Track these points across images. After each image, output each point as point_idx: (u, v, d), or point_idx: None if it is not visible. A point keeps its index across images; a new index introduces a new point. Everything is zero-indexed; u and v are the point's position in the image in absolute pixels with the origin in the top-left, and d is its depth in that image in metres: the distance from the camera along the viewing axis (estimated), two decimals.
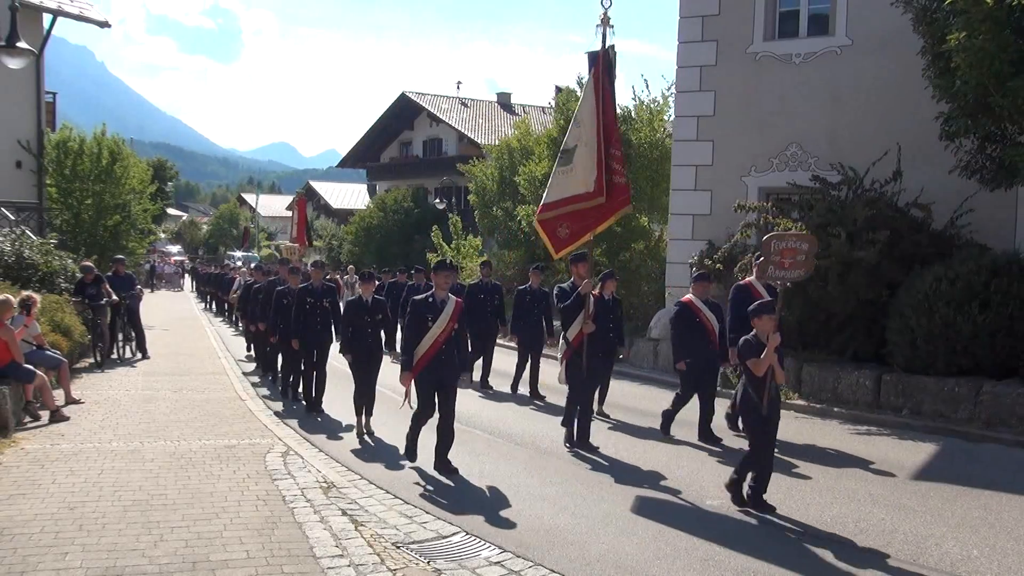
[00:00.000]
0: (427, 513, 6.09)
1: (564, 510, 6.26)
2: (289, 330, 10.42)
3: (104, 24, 18.53)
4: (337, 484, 6.72)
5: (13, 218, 15.62)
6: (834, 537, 5.72)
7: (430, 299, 7.22)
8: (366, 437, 8.75)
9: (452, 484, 7.00)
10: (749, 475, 6.26)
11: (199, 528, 5.43)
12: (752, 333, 6.19)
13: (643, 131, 19.01)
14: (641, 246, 19.15)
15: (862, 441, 8.91)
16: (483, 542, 5.49)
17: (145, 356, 14.65)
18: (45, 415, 8.84)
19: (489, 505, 6.40)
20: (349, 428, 9.20)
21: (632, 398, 10.75)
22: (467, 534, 5.64)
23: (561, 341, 8.41)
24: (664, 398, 9.89)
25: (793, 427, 9.57)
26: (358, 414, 8.88)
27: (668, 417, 8.94)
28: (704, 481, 7.17)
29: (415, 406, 7.34)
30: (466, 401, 10.96)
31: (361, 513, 6.00)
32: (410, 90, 44.05)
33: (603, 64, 8.49)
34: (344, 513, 5.92)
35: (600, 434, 9.06)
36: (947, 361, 9.68)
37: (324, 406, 10.20)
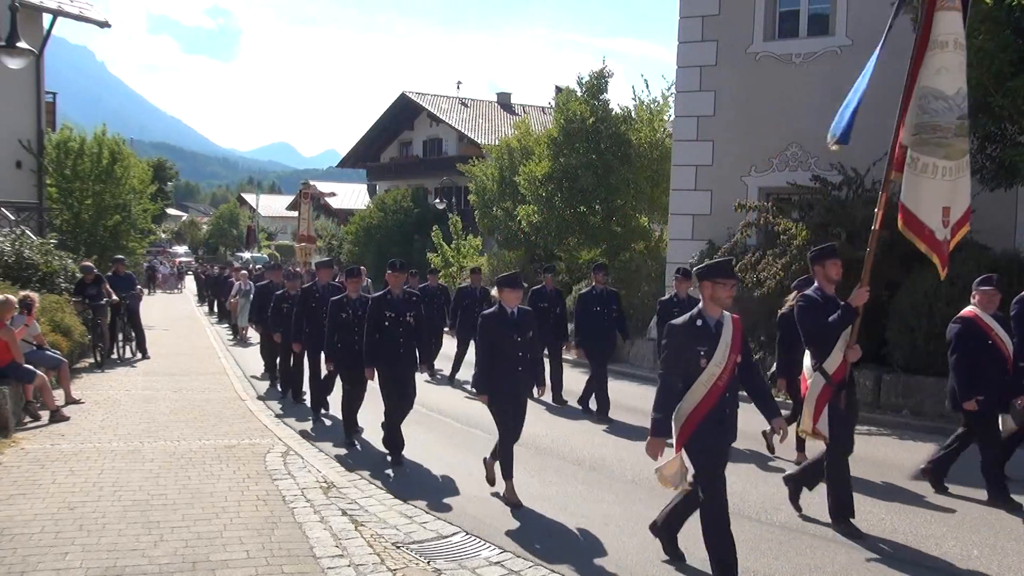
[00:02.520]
0: (427, 513, 6.10)
1: (564, 510, 6.26)
2: (339, 351, 8.42)
3: (104, 24, 18.53)
4: (337, 484, 6.72)
5: (13, 218, 15.62)
6: (834, 537, 5.71)
7: (699, 321, 4.73)
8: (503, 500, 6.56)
9: (452, 484, 7.00)
10: None
11: (199, 528, 5.43)
12: None
13: (643, 131, 19.01)
14: (641, 246, 19.15)
15: (862, 441, 8.84)
16: (483, 542, 5.49)
17: (145, 356, 14.65)
18: (45, 415, 8.84)
19: (489, 505, 6.41)
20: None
21: (632, 398, 10.74)
22: (467, 534, 5.65)
23: (814, 375, 5.85)
24: None
25: (793, 427, 9.57)
26: (507, 476, 6.54)
27: (998, 479, 6.53)
28: None
29: (685, 488, 4.88)
30: (466, 402, 10.98)
31: (361, 513, 6.00)
32: (410, 90, 44.04)
33: None
34: (344, 513, 5.92)
35: (598, 435, 9.07)
36: (947, 361, 9.65)
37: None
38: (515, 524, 5.93)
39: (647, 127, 19.12)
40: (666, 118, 18.99)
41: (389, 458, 7.75)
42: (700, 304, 4.81)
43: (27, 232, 14.23)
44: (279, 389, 11.59)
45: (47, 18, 17.49)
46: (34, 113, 17.87)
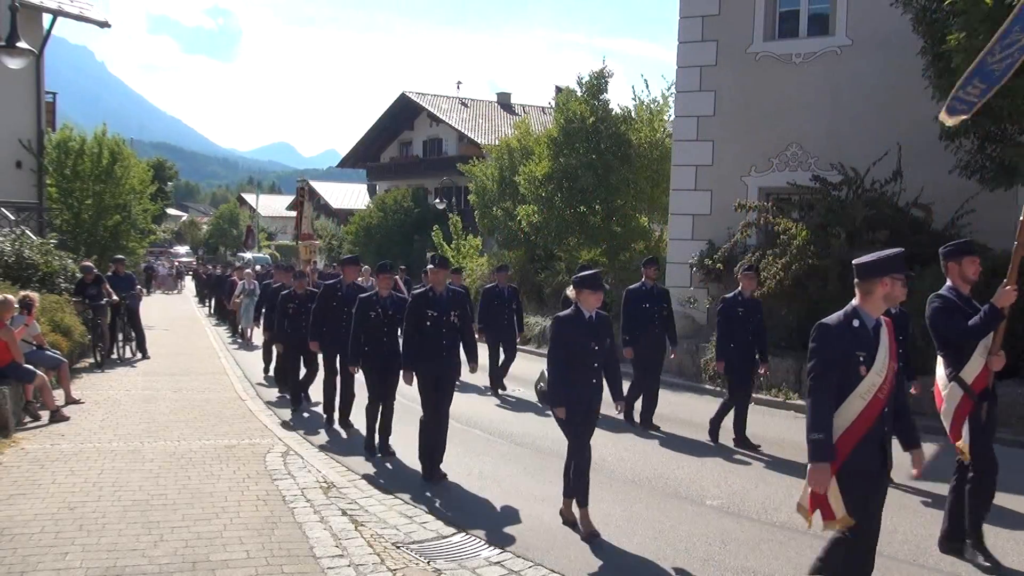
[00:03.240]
0: (427, 513, 6.10)
1: None
2: (366, 355, 7.84)
3: (104, 24, 18.53)
4: (337, 484, 6.72)
5: (13, 218, 15.62)
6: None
7: (855, 322, 4.03)
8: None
9: (452, 484, 6.99)
10: None
11: (199, 528, 5.43)
12: None
13: (643, 131, 19.01)
14: (641, 246, 19.15)
15: None
16: (483, 542, 5.49)
17: (145, 356, 14.65)
18: (45, 415, 8.84)
19: (489, 505, 6.41)
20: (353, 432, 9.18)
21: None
22: (467, 534, 5.64)
23: (950, 386, 5.37)
24: (664, 398, 9.87)
25: (794, 427, 9.57)
26: (582, 503, 5.80)
27: None
28: (704, 481, 7.16)
29: (846, 525, 4.00)
30: (466, 402, 10.97)
31: (361, 513, 6.00)
32: (410, 90, 44.06)
33: None
34: (344, 513, 5.92)
35: (599, 436, 9.05)
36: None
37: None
38: (515, 524, 5.93)
39: (647, 127, 19.12)
40: (666, 118, 19.00)
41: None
42: (855, 302, 4.09)
43: (27, 232, 14.23)
44: (287, 396, 10.95)
45: (47, 18, 17.50)
46: (34, 113, 17.86)
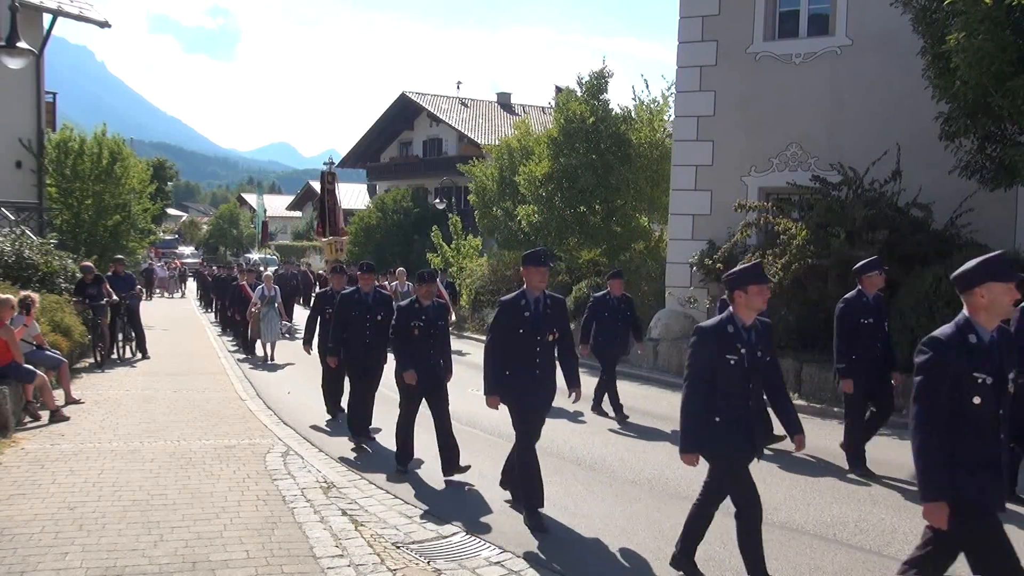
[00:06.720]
0: (427, 513, 6.10)
1: (564, 510, 6.26)
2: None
3: (104, 24, 18.52)
4: (337, 484, 6.73)
5: (13, 218, 15.62)
6: (834, 537, 5.72)
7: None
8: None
9: (452, 484, 6.99)
10: None
11: (199, 528, 5.44)
12: None
13: (643, 131, 19.00)
14: (641, 246, 19.15)
15: None
16: (483, 542, 5.49)
17: (145, 356, 14.66)
18: (45, 415, 8.84)
19: (489, 505, 6.41)
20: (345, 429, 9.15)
21: (632, 398, 10.75)
22: (467, 534, 5.65)
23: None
24: (664, 398, 9.88)
25: None
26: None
27: None
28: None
29: None
30: (466, 401, 10.98)
31: (361, 513, 6.00)
32: (410, 90, 44.07)
33: None
34: (344, 513, 5.92)
35: (599, 435, 9.08)
36: None
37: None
38: (515, 524, 5.93)
39: (647, 127, 19.11)
40: (666, 118, 18.99)
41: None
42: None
43: (27, 232, 14.23)
44: (366, 447, 8.31)
45: (47, 18, 17.49)
46: (34, 113, 17.85)
